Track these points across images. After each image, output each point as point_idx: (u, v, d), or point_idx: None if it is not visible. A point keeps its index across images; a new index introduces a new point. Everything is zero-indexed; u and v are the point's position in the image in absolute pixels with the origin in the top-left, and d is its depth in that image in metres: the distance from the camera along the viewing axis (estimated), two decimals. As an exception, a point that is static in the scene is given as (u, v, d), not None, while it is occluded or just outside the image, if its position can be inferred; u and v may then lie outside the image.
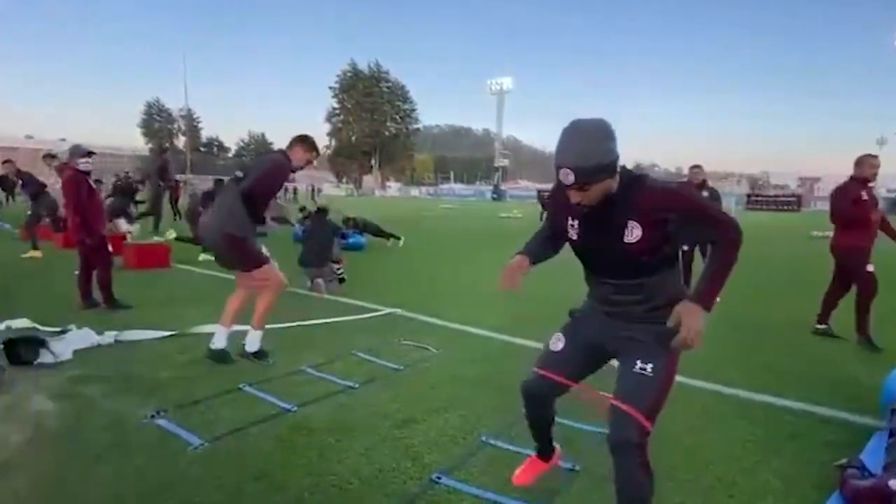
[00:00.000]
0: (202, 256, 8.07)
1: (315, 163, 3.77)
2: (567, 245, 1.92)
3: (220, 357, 3.59)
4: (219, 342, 3.63)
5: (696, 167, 6.27)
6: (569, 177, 1.56)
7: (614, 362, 1.87)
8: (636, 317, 1.76)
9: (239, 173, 3.46)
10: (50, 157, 8.37)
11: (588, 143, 1.56)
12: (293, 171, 3.54)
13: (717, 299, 1.65)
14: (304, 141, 3.58)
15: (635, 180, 1.66)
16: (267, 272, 3.51)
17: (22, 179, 9.16)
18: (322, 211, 7.07)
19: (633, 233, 1.65)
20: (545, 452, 2.25)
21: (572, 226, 1.79)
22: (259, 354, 3.64)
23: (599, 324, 1.84)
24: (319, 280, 6.17)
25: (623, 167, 1.67)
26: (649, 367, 1.69)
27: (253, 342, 3.64)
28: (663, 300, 1.71)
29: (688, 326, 1.54)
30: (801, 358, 4.11)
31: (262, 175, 3.38)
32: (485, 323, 4.85)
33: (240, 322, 3.74)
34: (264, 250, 3.55)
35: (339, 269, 6.56)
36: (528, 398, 2.04)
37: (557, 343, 1.95)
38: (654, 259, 1.69)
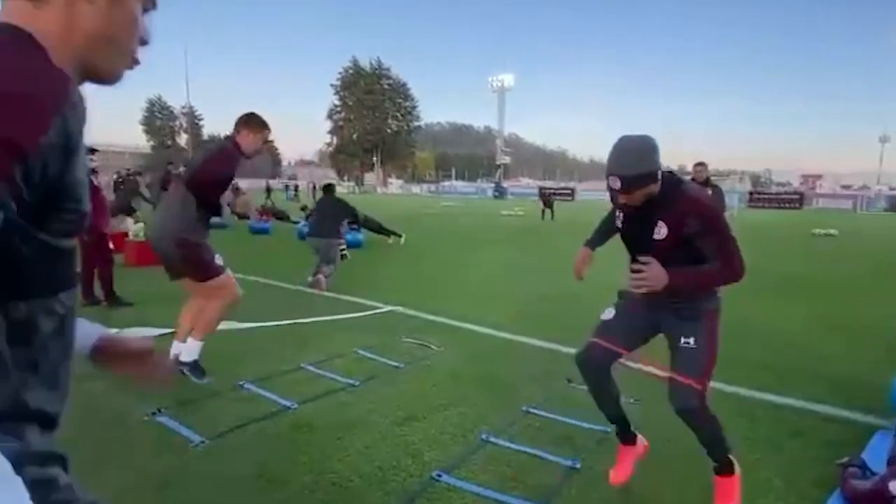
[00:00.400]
0: None
1: (267, 142, 3.30)
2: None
3: (196, 369, 3.22)
4: (188, 354, 3.22)
5: (699, 164, 6.27)
6: (616, 183, 1.85)
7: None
8: (672, 297, 1.95)
9: (182, 170, 3.15)
10: None
11: (632, 155, 1.84)
12: (247, 157, 3.17)
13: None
14: (250, 121, 3.16)
15: (674, 185, 1.92)
16: (221, 283, 3.11)
17: None
18: (330, 187, 7.39)
19: (661, 231, 1.91)
20: (627, 437, 2.28)
21: (618, 216, 2.13)
22: (193, 368, 3.16)
23: (643, 300, 2.03)
24: (321, 276, 6.19)
25: (669, 172, 1.93)
26: (692, 340, 1.95)
27: (190, 351, 3.16)
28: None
29: (649, 273, 1.86)
30: (802, 356, 4.10)
31: (204, 162, 3.02)
32: (486, 321, 4.85)
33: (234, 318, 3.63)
34: (218, 259, 3.14)
35: (340, 244, 6.83)
36: (585, 368, 2.13)
37: (608, 313, 2.16)
38: (681, 254, 1.91)
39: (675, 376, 1.95)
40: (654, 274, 1.85)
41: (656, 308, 2.03)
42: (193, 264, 3.04)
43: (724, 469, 2.08)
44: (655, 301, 1.99)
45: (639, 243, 2.00)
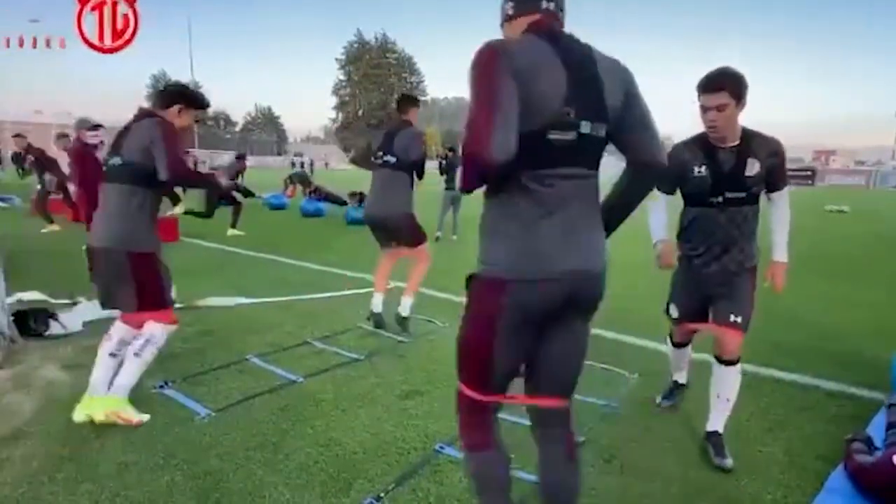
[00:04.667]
0: (231, 232, 8.23)
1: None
2: None
3: (379, 322, 3.87)
4: (377, 305, 3.91)
5: None
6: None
7: None
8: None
9: (390, 158, 3.68)
10: (63, 136, 8.24)
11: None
12: None
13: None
14: None
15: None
16: (427, 247, 4.06)
17: (34, 156, 8.94)
18: (452, 148, 9.27)
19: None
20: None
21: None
22: (405, 320, 3.90)
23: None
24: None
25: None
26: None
27: (408, 306, 3.93)
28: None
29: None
30: (808, 332, 4.06)
31: (416, 143, 3.74)
32: (491, 296, 4.83)
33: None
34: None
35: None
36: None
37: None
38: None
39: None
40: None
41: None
42: (412, 233, 3.90)
43: None
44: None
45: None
